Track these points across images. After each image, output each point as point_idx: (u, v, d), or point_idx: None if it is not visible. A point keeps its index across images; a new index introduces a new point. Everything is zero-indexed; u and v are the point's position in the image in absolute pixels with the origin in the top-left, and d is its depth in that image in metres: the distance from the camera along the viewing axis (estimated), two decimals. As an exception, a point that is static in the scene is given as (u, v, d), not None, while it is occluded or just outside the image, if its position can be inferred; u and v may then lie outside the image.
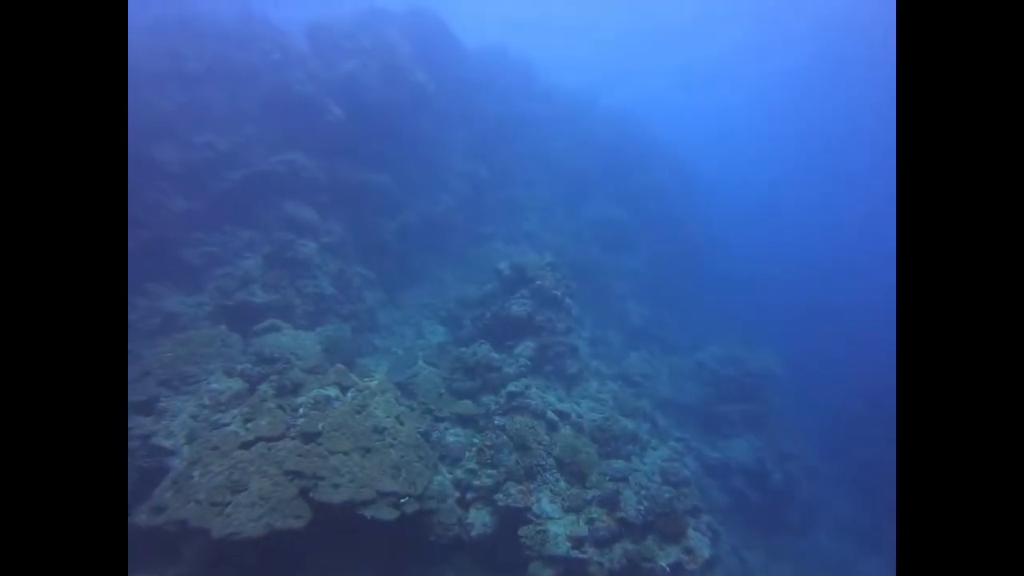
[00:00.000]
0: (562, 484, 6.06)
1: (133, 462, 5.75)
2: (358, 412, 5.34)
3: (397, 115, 12.98)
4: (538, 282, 9.00)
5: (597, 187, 18.36)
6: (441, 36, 16.19)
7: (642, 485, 6.26)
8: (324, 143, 11.80)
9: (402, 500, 4.90)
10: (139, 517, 4.74)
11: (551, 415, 7.01)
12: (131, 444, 5.87)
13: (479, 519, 5.54)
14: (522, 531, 5.43)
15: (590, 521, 5.57)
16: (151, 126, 10.74)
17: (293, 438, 4.92)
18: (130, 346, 8.60)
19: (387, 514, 4.74)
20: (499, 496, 5.62)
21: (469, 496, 5.73)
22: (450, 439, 6.40)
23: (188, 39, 12.06)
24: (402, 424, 5.58)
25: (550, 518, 5.54)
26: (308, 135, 11.74)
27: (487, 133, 16.92)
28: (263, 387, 6.14)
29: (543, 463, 6.14)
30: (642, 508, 5.77)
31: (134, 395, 6.16)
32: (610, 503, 5.86)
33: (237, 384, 6.14)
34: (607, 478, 6.32)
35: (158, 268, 9.53)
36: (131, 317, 8.81)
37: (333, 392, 5.62)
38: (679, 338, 14.82)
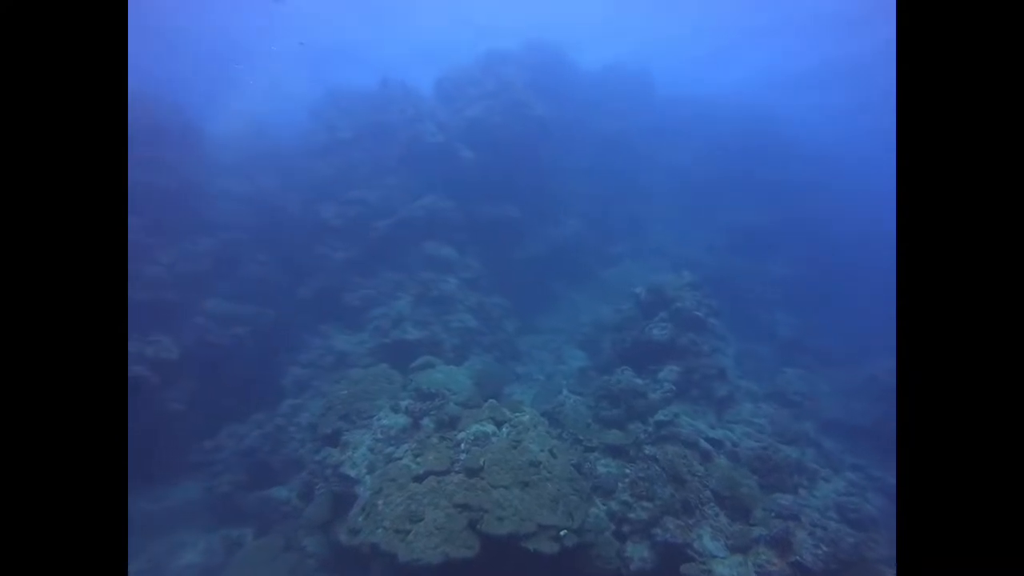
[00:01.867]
0: (723, 520, 5.79)
1: (328, 487, 6.67)
2: (514, 447, 5.64)
3: (520, 148, 13.58)
4: (677, 304, 8.75)
5: (728, 193, 17.37)
6: (557, 64, 16.68)
7: (816, 524, 5.73)
8: (457, 184, 12.73)
9: (561, 533, 5.05)
10: (340, 536, 5.49)
11: (704, 444, 6.74)
12: (324, 472, 6.80)
13: (637, 553, 5.50)
14: (685, 569, 5.28)
15: (759, 565, 5.23)
16: (317, 189, 12.48)
17: (458, 472, 5.35)
18: (313, 382, 9.98)
19: (548, 547, 4.92)
20: (657, 531, 5.53)
21: (625, 529, 5.72)
22: (601, 470, 6.45)
23: (340, 112, 13.84)
24: (555, 457, 5.77)
25: (714, 556, 5.32)
26: (442, 179, 12.76)
27: (608, 151, 16.95)
28: (424, 421, 6.74)
29: (700, 496, 5.92)
30: (820, 552, 5.28)
31: (323, 428, 7.14)
32: (780, 544, 5.45)
33: (402, 419, 6.81)
34: (773, 514, 5.89)
35: (327, 311, 10.94)
36: (311, 355, 10.22)
37: (490, 428, 6.00)
38: (838, 349, 13.32)
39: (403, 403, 7.03)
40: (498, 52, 15.88)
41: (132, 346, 8.54)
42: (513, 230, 13.05)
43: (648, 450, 6.64)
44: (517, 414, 6.36)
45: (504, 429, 6.07)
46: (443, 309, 10.34)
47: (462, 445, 5.73)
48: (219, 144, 13.27)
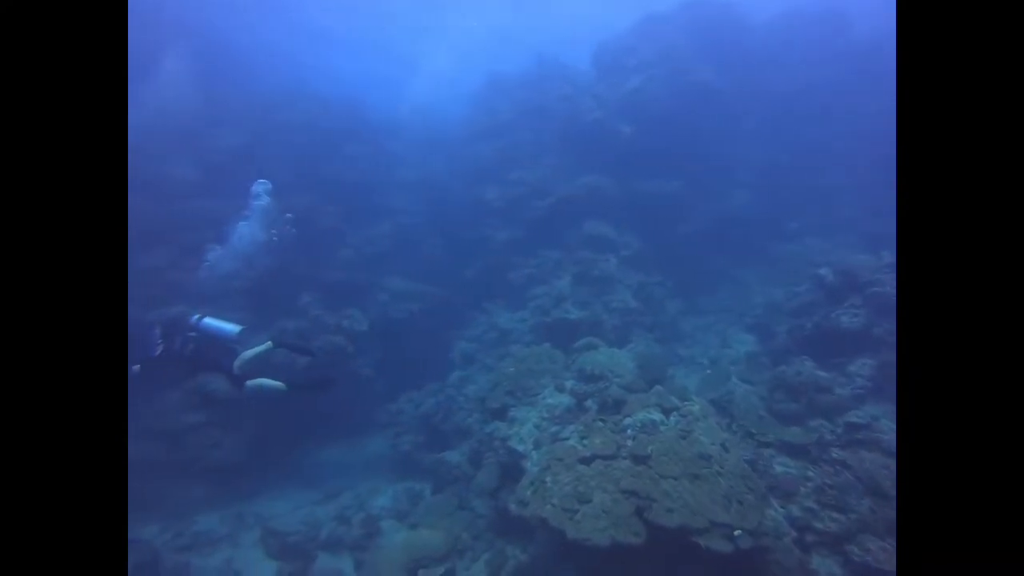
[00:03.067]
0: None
1: (495, 458, 7.17)
2: (683, 437, 5.46)
3: (683, 117, 12.74)
4: (874, 288, 7.59)
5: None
6: (722, 20, 15.14)
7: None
8: (616, 161, 12.42)
9: (736, 533, 4.80)
10: (509, 505, 5.88)
11: (909, 453, 5.82)
12: (492, 443, 7.32)
13: (827, 569, 5.01)
14: (884, 592, 4.68)
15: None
16: (479, 172, 13.13)
17: (625, 458, 5.35)
18: (478, 356, 10.74)
19: (721, 545, 4.71)
20: (852, 548, 4.96)
21: (810, 539, 5.23)
22: (778, 469, 5.96)
23: (499, 95, 14.28)
24: (727, 452, 5.46)
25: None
26: (601, 156, 12.54)
27: (785, 113, 15.07)
28: (588, 403, 6.83)
29: (905, 513, 5.15)
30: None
31: (491, 402, 7.66)
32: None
33: (567, 399, 6.99)
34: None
35: (490, 289, 11.57)
36: (476, 331, 10.97)
37: (657, 416, 5.88)
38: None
39: (567, 383, 7.21)
40: (656, 16, 14.89)
41: (330, 318, 9.95)
42: (675, 205, 12.39)
43: (836, 453, 5.95)
44: (686, 403, 6.12)
45: (672, 418, 5.89)
46: (603, 288, 10.28)
47: (628, 431, 5.70)
48: (391, 134, 14.59)
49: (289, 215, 9.62)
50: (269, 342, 5.88)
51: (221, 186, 10.36)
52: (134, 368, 5.58)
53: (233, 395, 5.76)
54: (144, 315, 6.19)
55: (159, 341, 5.71)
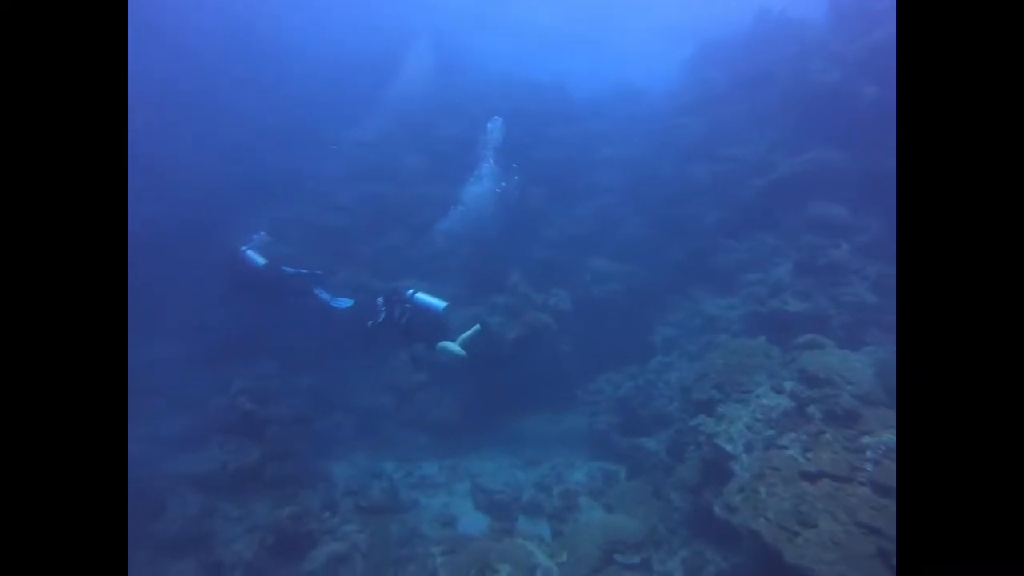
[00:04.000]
0: None
1: (699, 454, 6.83)
2: (948, 472, 4.48)
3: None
4: None
5: None
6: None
7: None
8: (852, 132, 10.44)
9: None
10: (713, 506, 5.58)
11: None
12: (697, 437, 6.96)
13: None
14: None
15: None
16: (688, 148, 12.32)
17: (863, 484, 4.60)
18: (680, 341, 10.27)
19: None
20: None
21: None
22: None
23: (712, 63, 13.10)
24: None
25: None
26: (833, 126, 10.68)
27: None
28: (811, 409, 6.03)
29: None
30: None
31: (697, 393, 7.25)
32: None
33: (785, 402, 6.27)
34: None
35: (696, 273, 10.88)
36: (679, 316, 10.47)
37: (910, 440, 4.91)
38: None
39: (785, 384, 6.46)
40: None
41: (537, 296, 10.47)
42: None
43: None
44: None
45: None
46: (831, 279, 8.87)
47: (868, 452, 4.88)
48: (595, 113, 14.49)
49: (515, 165, 10.38)
50: (478, 325, 6.70)
51: (446, 172, 11.60)
52: (368, 323, 6.92)
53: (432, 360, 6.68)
54: (376, 286, 7.37)
55: (382, 309, 6.88)
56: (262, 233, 8.51)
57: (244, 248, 8.05)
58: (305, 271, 8.22)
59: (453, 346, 6.57)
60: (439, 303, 6.79)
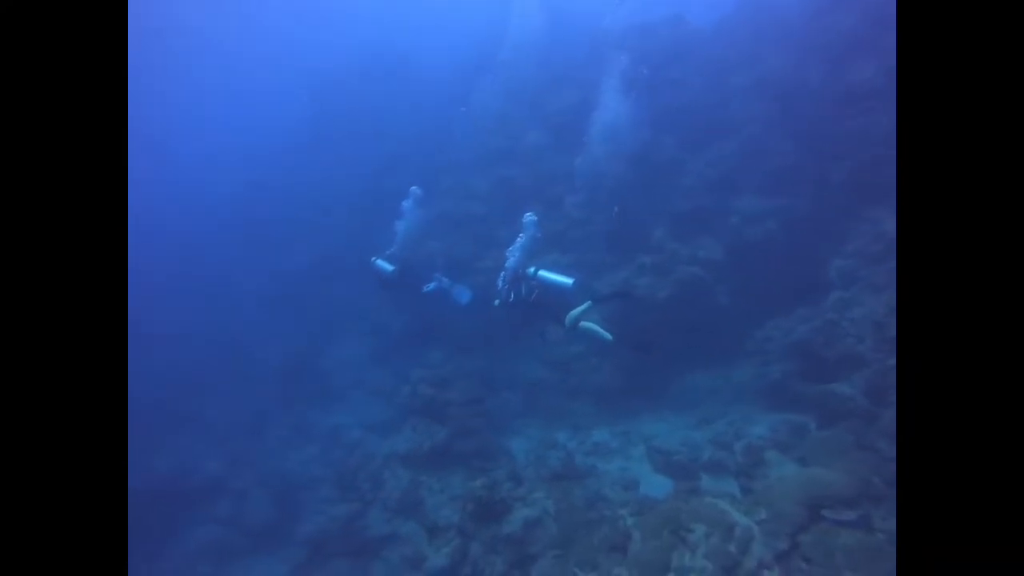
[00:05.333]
0: None
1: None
2: None
3: None
4: None
5: None
6: None
7: None
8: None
9: None
10: None
11: None
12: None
13: None
14: None
15: None
16: (843, 47, 10.57)
17: None
18: (861, 272, 8.99)
19: None
20: None
21: None
22: None
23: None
24: None
25: None
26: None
27: None
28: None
29: None
30: None
31: (893, 329, 6.37)
32: None
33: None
34: None
35: (871, 192, 9.43)
36: (856, 244, 9.16)
37: None
38: None
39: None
40: None
41: (684, 250, 9.95)
42: None
43: None
44: None
45: None
46: None
47: None
48: (715, 37, 13.06)
49: (644, 70, 10.15)
50: (589, 302, 6.71)
51: (569, 143, 11.46)
52: (495, 303, 7.31)
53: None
54: (503, 265, 7.61)
55: (506, 289, 7.12)
56: (415, 188, 9.42)
57: (374, 259, 8.95)
58: (432, 284, 8.77)
59: (595, 326, 6.66)
60: (566, 280, 6.79)
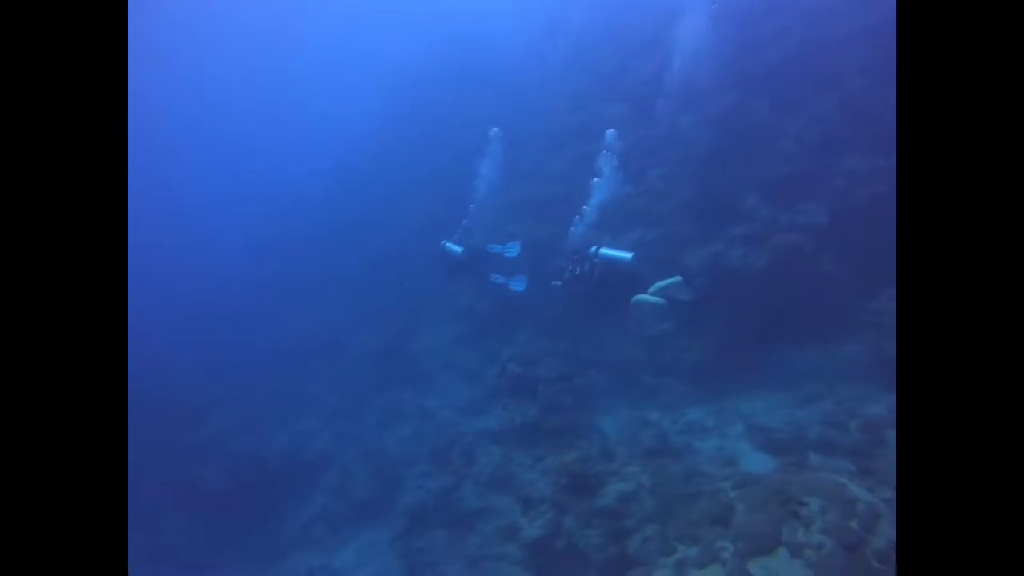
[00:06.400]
0: None
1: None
2: None
3: None
4: None
5: None
6: None
7: None
8: None
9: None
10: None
11: None
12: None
13: None
14: None
15: None
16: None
17: None
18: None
19: None
20: None
21: None
22: None
23: None
24: None
25: None
26: None
27: None
28: None
29: None
30: None
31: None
32: None
33: None
34: None
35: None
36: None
37: None
38: None
39: None
40: None
41: (783, 216, 9.29)
42: None
43: None
44: None
45: None
46: None
47: None
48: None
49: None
50: (679, 277, 6.75)
51: (646, 116, 11.10)
52: (555, 283, 7.41)
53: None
54: (603, 244, 7.61)
55: (569, 269, 7.23)
56: (494, 129, 9.53)
57: (444, 242, 9.24)
58: (515, 250, 9.00)
59: (669, 287, 6.57)
60: (625, 254, 6.90)
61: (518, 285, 8.89)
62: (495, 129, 10.28)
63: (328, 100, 20.25)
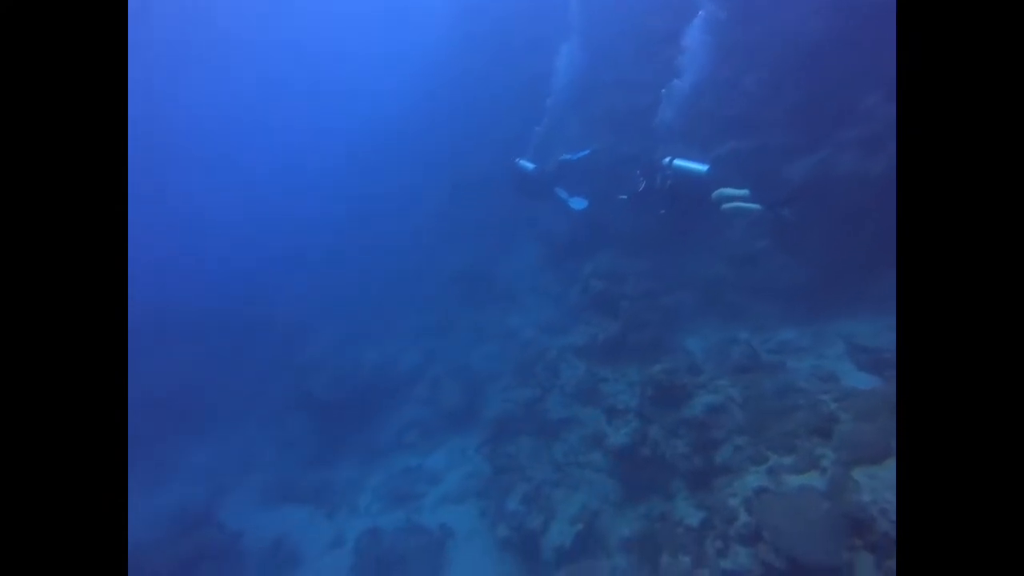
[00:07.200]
0: None
1: None
2: None
3: None
4: None
5: None
6: None
7: None
8: None
9: None
10: None
11: None
12: None
13: None
14: None
15: None
16: None
17: None
18: None
19: None
20: None
21: None
22: None
23: None
24: None
25: None
26: None
27: None
28: None
29: None
30: None
31: None
32: None
33: None
34: None
35: None
36: None
37: None
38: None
39: None
40: None
41: (906, 117, 8.16)
42: None
43: None
44: None
45: None
46: None
47: None
48: None
49: None
50: (747, 190, 6.23)
51: (746, 13, 9.93)
52: (621, 197, 7.23)
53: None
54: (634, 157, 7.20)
55: (641, 180, 6.75)
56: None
57: (517, 159, 9.08)
58: (585, 152, 8.81)
59: (741, 203, 6.14)
60: (700, 166, 6.53)
61: (578, 204, 8.66)
62: (571, 40, 9.67)
63: (406, 27, 19.97)
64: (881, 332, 7.94)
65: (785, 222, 6.42)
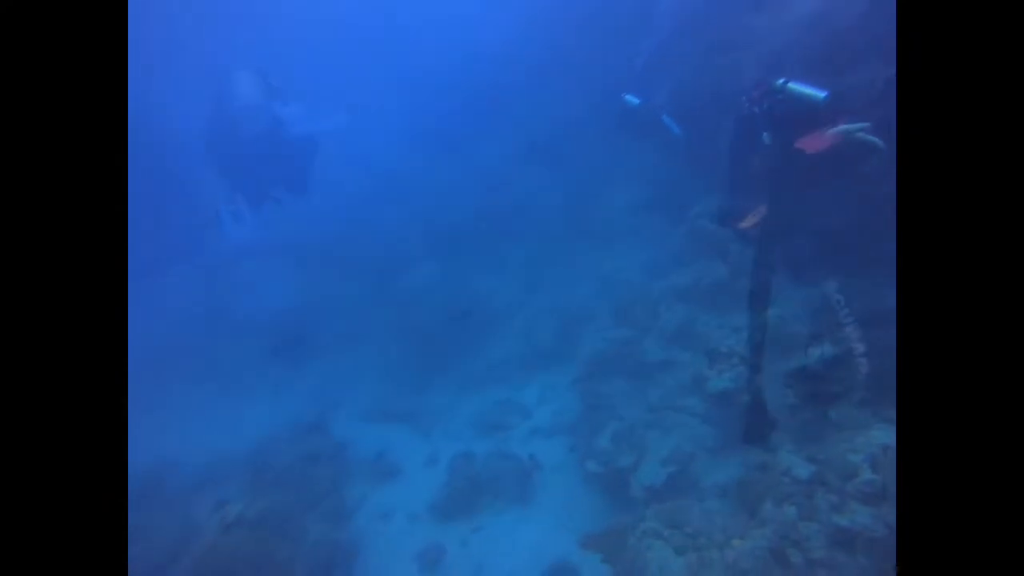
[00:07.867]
0: None
1: None
2: None
3: None
4: None
5: None
6: None
7: None
8: None
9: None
10: None
11: None
12: None
13: None
14: None
15: None
16: None
17: None
18: None
19: None
20: None
21: None
22: None
23: None
24: None
25: None
26: None
27: None
28: None
29: None
30: None
31: None
32: None
33: None
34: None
35: None
36: None
37: None
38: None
39: None
40: None
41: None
42: None
43: None
44: None
45: None
46: None
47: None
48: None
49: None
50: (868, 124, 5.45)
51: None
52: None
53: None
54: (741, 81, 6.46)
55: (750, 105, 5.95)
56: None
57: (623, 94, 8.63)
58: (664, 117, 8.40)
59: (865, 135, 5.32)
60: (818, 93, 5.53)
61: (673, 128, 8.14)
62: None
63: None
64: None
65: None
